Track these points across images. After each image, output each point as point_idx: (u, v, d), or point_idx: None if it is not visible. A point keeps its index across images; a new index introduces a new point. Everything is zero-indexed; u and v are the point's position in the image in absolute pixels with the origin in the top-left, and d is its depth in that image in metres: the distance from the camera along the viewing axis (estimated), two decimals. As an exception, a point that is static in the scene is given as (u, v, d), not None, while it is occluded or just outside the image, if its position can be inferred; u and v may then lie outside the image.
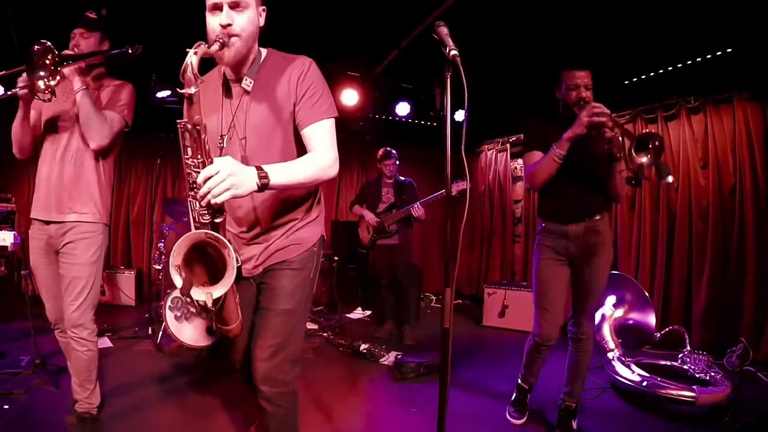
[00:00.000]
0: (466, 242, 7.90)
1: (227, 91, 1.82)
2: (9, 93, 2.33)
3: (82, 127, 2.41)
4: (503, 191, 7.31)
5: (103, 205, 2.58)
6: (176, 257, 1.50)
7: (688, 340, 3.85)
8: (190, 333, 4.26)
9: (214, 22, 1.65)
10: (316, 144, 1.74)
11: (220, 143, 1.80)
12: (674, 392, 3.17)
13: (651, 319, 3.92)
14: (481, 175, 7.74)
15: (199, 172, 1.49)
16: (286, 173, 1.61)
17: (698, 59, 4.43)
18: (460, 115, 5.98)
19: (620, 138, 2.44)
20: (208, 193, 1.44)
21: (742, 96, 4.41)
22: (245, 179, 1.49)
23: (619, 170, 2.60)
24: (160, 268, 4.89)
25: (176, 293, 4.24)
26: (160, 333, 4.36)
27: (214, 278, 1.57)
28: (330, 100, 1.83)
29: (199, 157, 1.55)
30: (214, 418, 3.01)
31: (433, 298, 7.54)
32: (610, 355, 3.78)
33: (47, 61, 2.15)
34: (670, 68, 4.69)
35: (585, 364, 2.85)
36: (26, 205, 6.10)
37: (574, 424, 2.91)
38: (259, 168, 1.53)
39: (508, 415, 3.12)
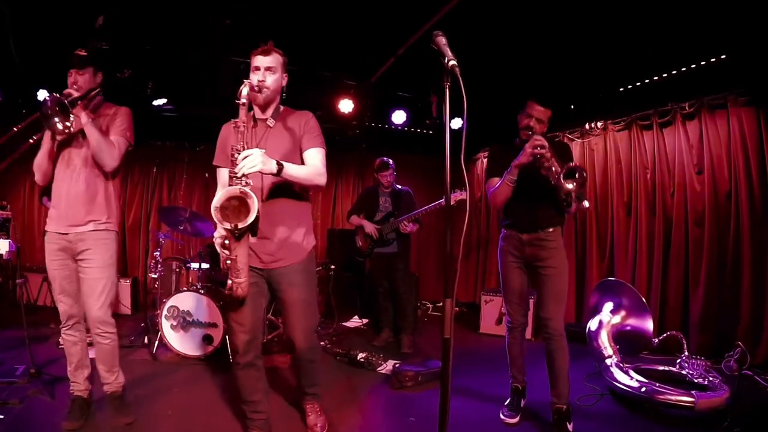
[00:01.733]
0: (463, 250, 7.88)
1: (255, 124, 2.61)
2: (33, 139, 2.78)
3: (94, 153, 2.74)
4: (500, 198, 7.29)
5: (114, 215, 2.93)
6: (217, 201, 2.17)
7: (685, 346, 3.85)
8: (186, 342, 4.25)
9: (254, 78, 2.48)
10: (311, 161, 2.55)
11: None
12: (673, 397, 3.17)
13: (648, 325, 3.92)
14: (477, 182, 7.76)
15: (240, 153, 2.21)
16: (294, 168, 2.37)
17: (693, 65, 4.46)
18: (456, 123, 5.99)
19: (553, 168, 2.85)
20: (244, 166, 2.15)
21: (737, 101, 4.42)
22: (269, 162, 2.23)
23: None
24: (156, 276, 4.86)
25: (172, 302, 4.24)
26: (156, 342, 4.34)
27: (238, 218, 2.20)
28: (322, 138, 2.63)
29: (241, 143, 2.28)
30: (211, 429, 2.99)
31: (430, 306, 7.52)
32: (608, 361, 3.77)
33: (58, 109, 2.52)
34: (665, 74, 4.72)
35: (561, 361, 3.01)
36: (21, 211, 6.10)
37: (570, 427, 2.93)
38: (278, 161, 2.29)
39: (501, 415, 3.21)
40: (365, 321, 6.20)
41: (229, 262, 2.28)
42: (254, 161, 2.15)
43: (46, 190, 5.06)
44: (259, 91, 2.45)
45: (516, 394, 3.29)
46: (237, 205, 2.18)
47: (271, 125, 2.58)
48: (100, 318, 2.81)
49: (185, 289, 4.37)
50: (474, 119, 5.96)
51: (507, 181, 2.98)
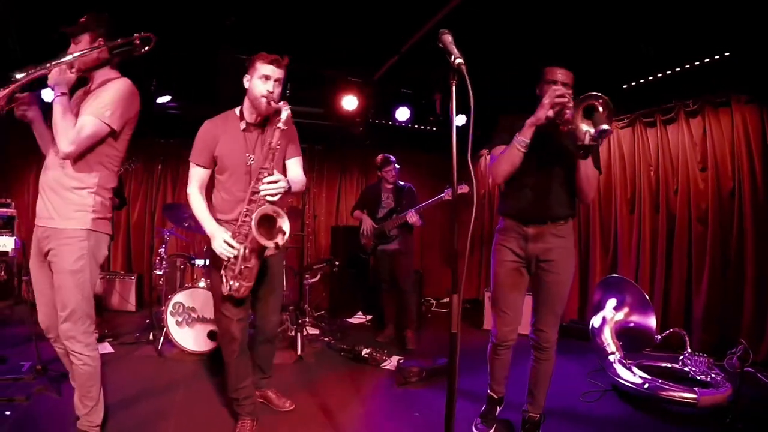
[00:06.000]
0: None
1: (247, 129, 2.67)
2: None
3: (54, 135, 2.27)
4: (503, 195, 7.29)
5: (90, 211, 2.35)
6: (254, 220, 2.28)
7: (688, 342, 3.86)
8: (191, 338, 4.27)
9: (263, 87, 2.49)
10: (296, 170, 2.77)
11: (249, 162, 2.64)
12: (675, 394, 3.18)
13: (651, 322, 3.92)
14: (481, 179, 7.75)
15: (266, 173, 2.40)
16: (295, 185, 2.58)
17: (696, 63, 4.44)
18: (460, 120, 5.99)
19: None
20: (268, 191, 2.34)
21: (741, 99, 4.43)
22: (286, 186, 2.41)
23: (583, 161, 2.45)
24: (161, 273, 4.88)
25: (177, 299, 4.26)
26: (162, 338, 4.35)
27: (270, 236, 2.36)
28: (299, 145, 2.83)
29: (271, 163, 2.44)
30: (216, 424, 3.00)
31: (434, 302, 7.53)
32: (611, 357, 3.78)
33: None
34: (668, 72, 4.71)
35: (547, 373, 2.74)
36: (27, 208, 6.11)
37: None
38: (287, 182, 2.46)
39: (473, 428, 2.91)
40: (369, 317, 6.22)
41: (244, 269, 2.45)
42: (280, 188, 2.35)
43: None
44: (269, 102, 2.48)
45: (492, 403, 2.95)
46: (267, 225, 2.33)
47: (262, 132, 2.68)
48: (66, 332, 2.32)
49: (190, 285, 4.39)
50: (476, 116, 5.99)
51: (517, 144, 2.42)
